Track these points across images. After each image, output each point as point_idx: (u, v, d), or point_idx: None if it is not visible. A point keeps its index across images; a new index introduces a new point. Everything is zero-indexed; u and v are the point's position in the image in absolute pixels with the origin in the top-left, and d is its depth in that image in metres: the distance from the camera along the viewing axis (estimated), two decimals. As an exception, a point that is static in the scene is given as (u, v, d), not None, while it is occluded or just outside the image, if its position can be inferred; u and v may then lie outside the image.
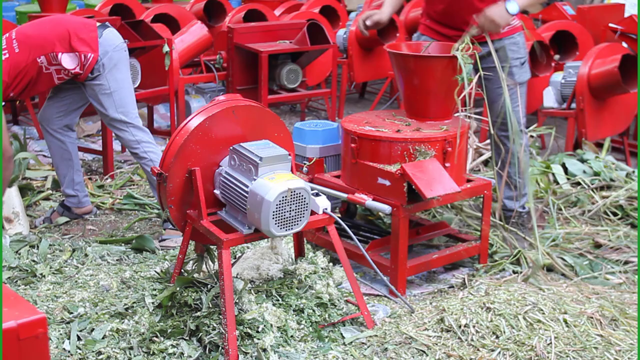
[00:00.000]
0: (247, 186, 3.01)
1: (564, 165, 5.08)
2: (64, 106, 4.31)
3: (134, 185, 5.10)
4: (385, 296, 3.64)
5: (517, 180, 4.23)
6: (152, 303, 3.26)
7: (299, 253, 3.44)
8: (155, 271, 3.64)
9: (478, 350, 3.03)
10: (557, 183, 4.96)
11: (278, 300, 3.21)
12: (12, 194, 4.27)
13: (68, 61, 3.98)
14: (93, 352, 3.05)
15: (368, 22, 4.12)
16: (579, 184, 4.92)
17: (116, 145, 5.68)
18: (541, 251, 3.87)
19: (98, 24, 4.13)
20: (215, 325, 3.01)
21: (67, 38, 3.99)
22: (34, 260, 3.84)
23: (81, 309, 3.37)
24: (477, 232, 4.15)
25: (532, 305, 3.23)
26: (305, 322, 3.20)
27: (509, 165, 4.20)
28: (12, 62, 3.91)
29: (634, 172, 5.08)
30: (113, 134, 5.32)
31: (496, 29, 3.83)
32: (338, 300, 3.34)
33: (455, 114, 3.87)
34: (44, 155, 5.57)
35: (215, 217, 3.19)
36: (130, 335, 3.13)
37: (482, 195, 3.88)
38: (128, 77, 4.20)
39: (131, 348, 3.05)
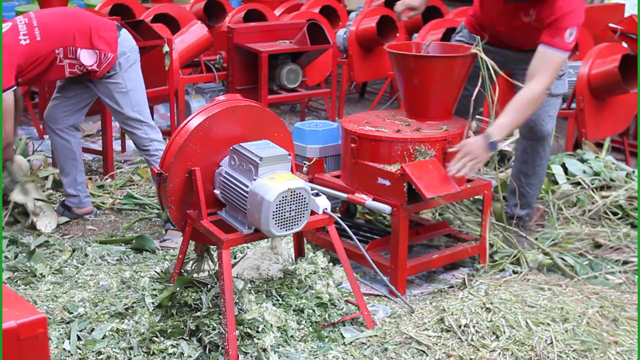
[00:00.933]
0: (247, 186, 3.01)
1: (564, 165, 5.08)
2: (71, 105, 4.33)
3: (134, 185, 5.10)
4: (385, 296, 3.64)
5: (527, 191, 4.22)
6: (152, 303, 3.26)
7: (299, 253, 3.44)
8: (155, 271, 3.64)
9: (478, 350, 3.03)
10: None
11: (278, 300, 3.21)
12: (32, 189, 4.35)
13: (86, 57, 4.01)
14: (93, 352, 3.05)
15: (399, 9, 4.07)
16: (579, 184, 4.92)
17: (116, 145, 5.68)
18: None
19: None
20: (215, 325, 3.01)
21: (88, 34, 4.02)
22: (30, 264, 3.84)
23: (81, 309, 3.37)
24: (477, 232, 4.15)
25: (532, 305, 3.23)
26: (305, 322, 3.19)
27: (524, 175, 4.19)
28: (32, 50, 3.92)
29: (634, 172, 5.07)
30: (113, 134, 5.33)
31: (475, 168, 3.59)
32: (338, 300, 3.34)
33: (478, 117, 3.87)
34: (44, 156, 5.57)
35: (215, 217, 3.19)
36: (130, 335, 3.12)
37: (482, 195, 3.88)
38: (141, 77, 4.27)
39: (131, 348, 3.05)
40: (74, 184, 4.47)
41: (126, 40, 4.17)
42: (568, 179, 4.97)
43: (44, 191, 4.82)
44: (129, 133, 4.25)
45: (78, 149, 4.45)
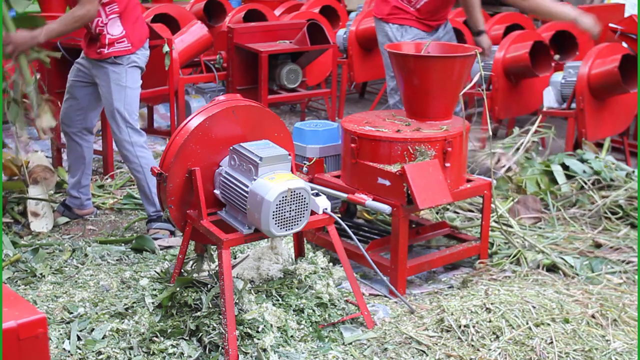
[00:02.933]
0: (247, 186, 3.01)
1: (564, 165, 5.07)
2: (82, 107, 4.34)
3: (134, 185, 5.10)
4: (385, 296, 3.64)
5: None
6: (152, 303, 3.26)
7: (299, 253, 3.44)
8: (155, 271, 3.64)
9: (478, 350, 3.03)
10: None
11: (278, 300, 3.21)
12: (32, 191, 4.38)
13: (113, 26, 4.05)
14: (93, 352, 3.05)
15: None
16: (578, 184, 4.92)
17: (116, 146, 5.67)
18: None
19: None
20: (215, 325, 3.01)
21: (133, 13, 4.11)
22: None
23: (81, 309, 3.37)
24: (476, 232, 4.15)
25: (532, 305, 3.23)
26: (305, 322, 3.20)
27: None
28: None
29: (634, 172, 5.07)
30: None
31: None
32: (338, 300, 3.34)
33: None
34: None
35: (215, 217, 3.19)
36: (130, 335, 3.13)
37: (482, 195, 3.88)
38: (140, 83, 4.26)
39: (131, 348, 3.05)
40: (77, 186, 4.48)
41: (146, 49, 4.24)
42: (569, 177, 4.96)
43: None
44: (112, 131, 4.21)
45: (88, 154, 4.46)
